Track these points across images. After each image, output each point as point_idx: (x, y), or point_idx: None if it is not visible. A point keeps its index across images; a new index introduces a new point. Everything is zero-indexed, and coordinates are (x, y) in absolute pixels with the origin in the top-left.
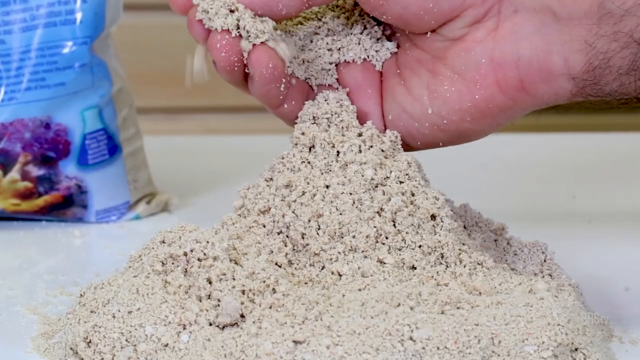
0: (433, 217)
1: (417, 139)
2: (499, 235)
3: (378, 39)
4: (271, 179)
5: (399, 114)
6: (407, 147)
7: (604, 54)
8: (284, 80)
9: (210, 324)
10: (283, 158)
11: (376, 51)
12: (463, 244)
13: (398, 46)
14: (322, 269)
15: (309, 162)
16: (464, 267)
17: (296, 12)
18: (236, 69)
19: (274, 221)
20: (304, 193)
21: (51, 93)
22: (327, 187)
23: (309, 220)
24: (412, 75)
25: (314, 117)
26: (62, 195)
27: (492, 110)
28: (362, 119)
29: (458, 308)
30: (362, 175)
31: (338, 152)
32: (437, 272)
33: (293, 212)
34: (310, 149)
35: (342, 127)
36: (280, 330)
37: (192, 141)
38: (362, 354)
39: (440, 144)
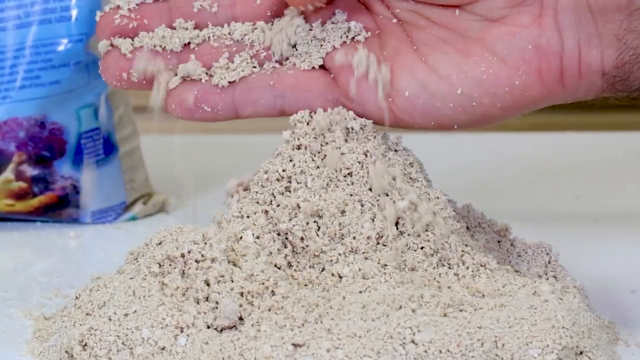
0: (435, 218)
1: (432, 118)
2: (502, 236)
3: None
4: (266, 179)
5: (418, 92)
6: (417, 126)
7: (633, 49)
8: (204, 106)
9: (208, 327)
10: (278, 156)
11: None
12: (466, 245)
13: (400, 26)
14: (322, 270)
15: (308, 162)
16: (467, 268)
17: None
18: (125, 86)
19: (272, 223)
20: (302, 193)
21: (46, 91)
22: (327, 187)
23: (308, 223)
24: (435, 53)
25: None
26: (57, 195)
27: (525, 98)
28: (358, 97)
29: (461, 310)
30: (363, 177)
31: (340, 152)
32: (440, 274)
33: (291, 212)
34: (309, 148)
35: (344, 128)
36: (280, 333)
37: (190, 140)
38: (363, 357)
39: (455, 126)
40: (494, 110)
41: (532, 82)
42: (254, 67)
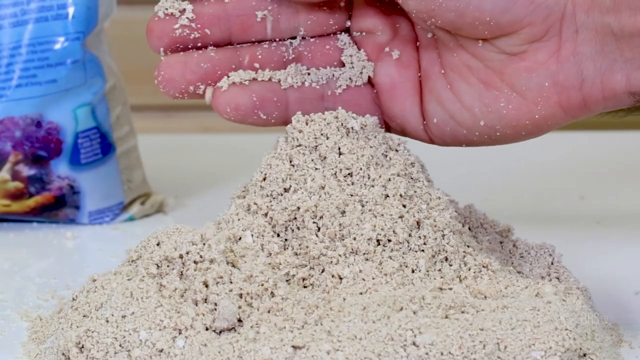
0: (437, 218)
1: (462, 142)
2: (504, 237)
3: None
4: (265, 180)
5: (446, 120)
6: (450, 146)
7: None
8: (257, 112)
9: (207, 329)
10: (276, 156)
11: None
12: (468, 246)
13: (435, 42)
14: (322, 272)
15: (308, 162)
16: (469, 270)
17: None
18: (187, 97)
19: (271, 224)
20: (302, 194)
21: (42, 90)
22: (326, 187)
23: (308, 224)
24: (460, 81)
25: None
26: (53, 195)
27: (549, 125)
28: (398, 119)
29: (462, 312)
30: (364, 177)
31: (340, 152)
32: (441, 275)
33: (291, 213)
34: (308, 148)
35: (345, 128)
36: (279, 335)
37: (188, 140)
38: (364, 359)
39: (485, 145)
40: (519, 136)
41: (553, 113)
42: (307, 73)
